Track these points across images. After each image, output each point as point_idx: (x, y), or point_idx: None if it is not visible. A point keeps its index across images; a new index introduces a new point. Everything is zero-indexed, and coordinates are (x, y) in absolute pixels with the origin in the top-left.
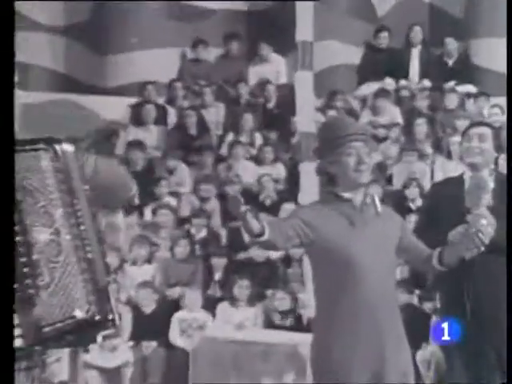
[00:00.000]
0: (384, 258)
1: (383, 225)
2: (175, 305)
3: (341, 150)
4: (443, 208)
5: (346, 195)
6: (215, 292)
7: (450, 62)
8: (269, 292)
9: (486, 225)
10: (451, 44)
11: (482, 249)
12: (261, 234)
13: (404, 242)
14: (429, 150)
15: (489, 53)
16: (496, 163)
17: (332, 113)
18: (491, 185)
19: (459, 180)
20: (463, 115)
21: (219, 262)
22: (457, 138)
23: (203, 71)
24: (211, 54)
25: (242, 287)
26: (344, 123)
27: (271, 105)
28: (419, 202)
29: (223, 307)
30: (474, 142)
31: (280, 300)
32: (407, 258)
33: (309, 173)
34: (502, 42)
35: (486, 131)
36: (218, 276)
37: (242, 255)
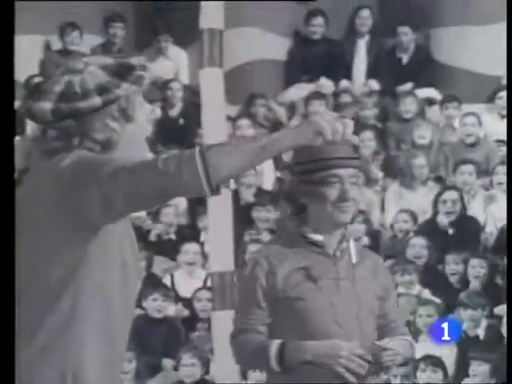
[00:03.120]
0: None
1: (363, 282)
2: None
3: (321, 176)
4: None
5: (317, 237)
6: None
7: (405, 58)
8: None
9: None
10: (406, 34)
11: None
12: None
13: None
14: (377, 173)
15: (458, 45)
16: None
17: (247, 123)
18: None
19: None
20: (426, 127)
21: None
22: (420, 160)
23: None
24: (85, 42)
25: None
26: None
27: (174, 112)
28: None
29: None
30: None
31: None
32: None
33: (221, 203)
34: (478, 31)
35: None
36: None
37: None
